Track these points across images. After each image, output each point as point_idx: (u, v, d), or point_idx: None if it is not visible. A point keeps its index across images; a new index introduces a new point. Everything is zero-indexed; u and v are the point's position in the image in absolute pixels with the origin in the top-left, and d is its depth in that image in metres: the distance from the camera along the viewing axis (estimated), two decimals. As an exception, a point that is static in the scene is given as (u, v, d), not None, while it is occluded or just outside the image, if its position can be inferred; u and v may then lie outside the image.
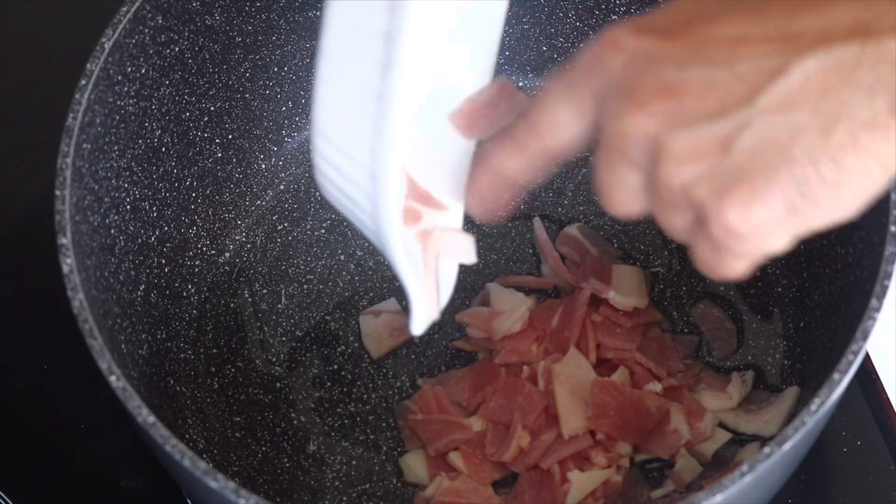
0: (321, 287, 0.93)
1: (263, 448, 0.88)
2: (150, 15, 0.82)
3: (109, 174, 0.81)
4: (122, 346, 0.79)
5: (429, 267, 0.67)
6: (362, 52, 0.58)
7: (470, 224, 0.94)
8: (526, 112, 0.61)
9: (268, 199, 0.96)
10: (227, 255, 0.94)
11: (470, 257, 0.69)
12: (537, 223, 0.93)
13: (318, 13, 0.92)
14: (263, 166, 0.96)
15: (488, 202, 0.65)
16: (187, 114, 0.89)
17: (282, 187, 0.97)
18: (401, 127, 0.58)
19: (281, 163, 0.97)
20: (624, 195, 0.58)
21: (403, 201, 0.62)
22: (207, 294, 0.93)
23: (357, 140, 0.60)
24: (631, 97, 0.56)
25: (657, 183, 0.56)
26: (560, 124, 0.60)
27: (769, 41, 0.54)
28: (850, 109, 0.53)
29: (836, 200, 0.55)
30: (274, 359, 0.91)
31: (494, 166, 0.63)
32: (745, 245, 0.56)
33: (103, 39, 0.79)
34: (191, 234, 0.92)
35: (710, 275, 0.59)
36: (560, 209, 0.95)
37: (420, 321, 0.68)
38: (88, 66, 0.78)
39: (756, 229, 0.55)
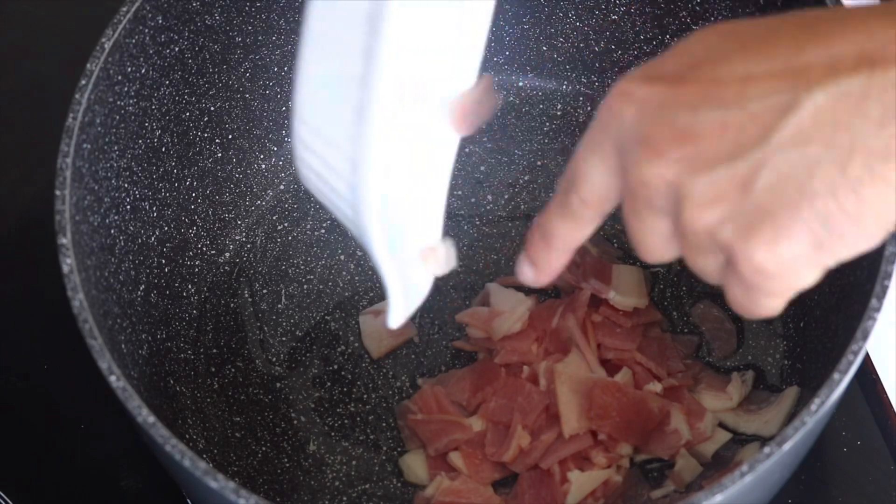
0: (321, 287, 0.93)
1: (263, 448, 0.88)
2: (150, 15, 0.82)
3: (109, 174, 0.81)
4: (122, 346, 0.79)
5: (426, 282, 0.68)
6: (344, 37, 0.58)
7: (469, 224, 0.94)
8: (569, 181, 0.61)
9: (268, 199, 0.96)
10: (227, 255, 0.94)
11: (447, 267, 0.69)
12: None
13: (318, 13, 0.93)
14: (263, 166, 0.96)
15: (551, 272, 0.66)
16: (187, 114, 0.89)
17: (282, 187, 0.97)
18: (382, 113, 0.58)
19: (281, 163, 0.97)
20: (656, 242, 0.59)
21: (383, 190, 0.61)
22: (207, 294, 0.93)
23: (338, 126, 0.59)
24: (647, 146, 0.56)
25: (683, 228, 0.57)
26: (601, 188, 0.60)
27: (777, 77, 0.55)
28: (863, 141, 0.54)
29: (860, 231, 0.55)
30: (274, 359, 0.91)
31: (559, 242, 0.64)
32: (775, 283, 0.56)
33: (103, 39, 0.79)
34: (191, 234, 0.92)
35: (744, 314, 0.59)
36: (560, 209, 0.95)
37: (398, 314, 0.68)
38: (88, 66, 0.78)
39: (785, 267, 0.56)
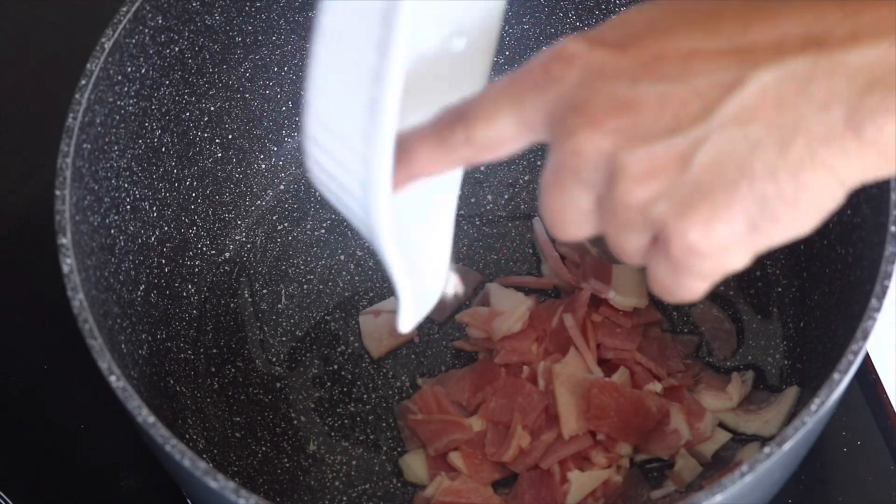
0: (321, 287, 0.93)
1: (263, 448, 0.88)
2: (150, 15, 0.82)
3: (109, 174, 0.81)
4: (122, 346, 0.79)
5: (436, 287, 0.68)
6: (357, 31, 0.57)
7: (469, 224, 0.94)
8: (463, 116, 0.58)
9: (268, 199, 0.96)
10: (227, 255, 0.94)
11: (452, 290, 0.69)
12: (537, 223, 0.93)
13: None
14: (263, 166, 0.96)
15: (406, 173, 0.61)
16: (187, 114, 0.89)
17: (282, 187, 0.97)
18: (395, 108, 0.57)
19: (281, 163, 0.97)
20: (574, 217, 0.57)
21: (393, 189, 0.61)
22: (207, 294, 0.93)
23: (350, 122, 0.59)
24: (583, 114, 0.55)
25: (613, 202, 0.55)
26: (501, 138, 0.57)
27: (723, 54, 0.54)
28: (806, 123, 0.53)
29: (795, 216, 0.54)
30: (274, 359, 0.91)
31: (416, 165, 0.60)
32: (705, 264, 0.55)
33: (103, 39, 0.79)
34: (191, 234, 0.92)
35: (666, 298, 0.57)
36: (560, 209, 0.95)
37: (408, 318, 0.67)
38: (88, 66, 0.78)
39: (717, 248, 0.55)
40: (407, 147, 0.59)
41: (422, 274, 0.67)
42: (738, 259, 0.55)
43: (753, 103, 0.53)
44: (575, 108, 0.55)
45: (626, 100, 0.54)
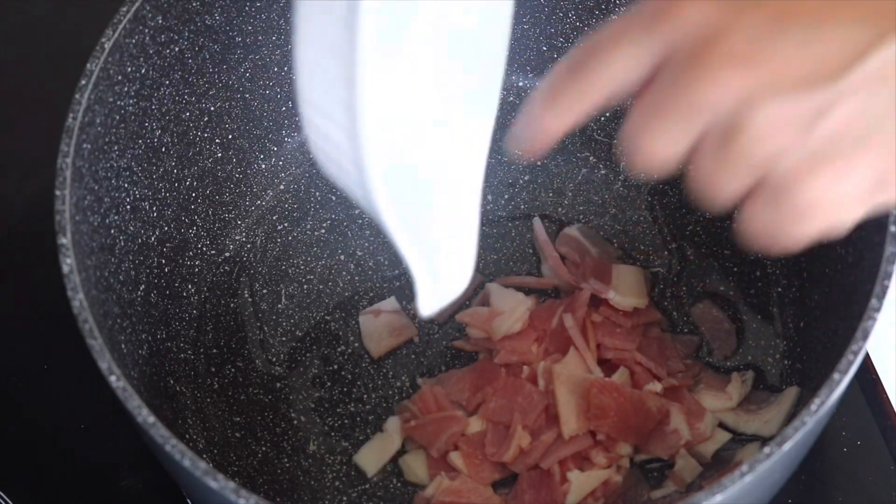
0: (321, 287, 0.93)
1: (263, 448, 0.88)
2: (150, 15, 0.82)
3: (109, 174, 0.81)
4: (122, 346, 0.79)
5: (461, 273, 0.66)
6: (329, 11, 0.57)
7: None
8: (588, 55, 0.57)
9: (268, 199, 0.96)
10: (227, 255, 0.94)
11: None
12: (537, 223, 0.93)
13: (318, 13, 0.93)
14: (263, 166, 0.96)
15: (544, 139, 0.61)
16: (187, 114, 0.89)
17: (282, 187, 0.97)
18: (370, 85, 0.56)
19: (281, 163, 0.97)
20: (671, 151, 0.55)
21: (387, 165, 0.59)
22: (207, 294, 0.93)
23: (336, 102, 0.58)
24: (711, 60, 0.53)
25: (732, 150, 0.54)
26: (619, 72, 0.56)
27: (859, 14, 0.53)
28: None
29: None
30: (274, 359, 0.91)
31: (564, 111, 0.59)
32: (820, 217, 0.55)
33: (103, 39, 0.79)
34: (191, 234, 0.92)
35: (762, 243, 0.56)
36: (560, 209, 0.95)
37: (427, 301, 0.65)
38: (88, 66, 0.78)
39: (838, 203, 0.54)
40: (551, 92, 0.58)
41: (443, 259, 0.65)
42: (854, 214, 0.55)
43: (886, 67, 0.52)
44: (700, 52, 0.53)
45: (756, 50, 0.52)
